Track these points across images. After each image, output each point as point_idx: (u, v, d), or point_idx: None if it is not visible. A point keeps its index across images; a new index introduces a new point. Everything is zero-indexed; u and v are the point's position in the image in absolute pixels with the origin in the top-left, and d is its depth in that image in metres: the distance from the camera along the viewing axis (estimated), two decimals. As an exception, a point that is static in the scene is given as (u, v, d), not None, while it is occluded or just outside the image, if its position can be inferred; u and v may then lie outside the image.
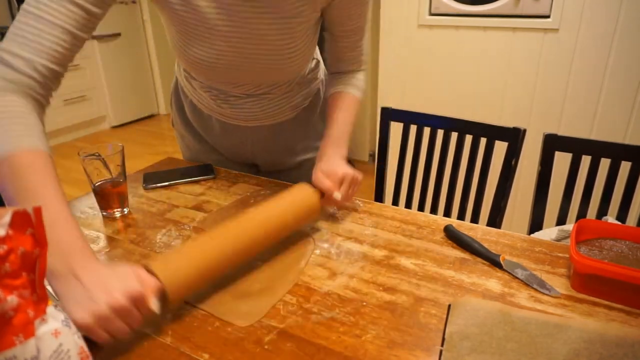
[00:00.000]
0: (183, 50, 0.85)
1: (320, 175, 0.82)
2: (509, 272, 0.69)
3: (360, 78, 0.97)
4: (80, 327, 0.47)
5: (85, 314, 0.48)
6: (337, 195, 0.80)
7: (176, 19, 0.80)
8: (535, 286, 0.66)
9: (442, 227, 0.82)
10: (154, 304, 0.52)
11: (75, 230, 0.54)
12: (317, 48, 1.03)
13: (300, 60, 0.90)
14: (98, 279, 0.50)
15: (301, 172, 1.12)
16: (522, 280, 0.67)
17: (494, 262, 0.72)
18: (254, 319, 0.61)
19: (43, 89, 0.63)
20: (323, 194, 0.80)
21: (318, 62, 1.05)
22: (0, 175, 0.54)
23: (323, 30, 0.93)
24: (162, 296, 0.55)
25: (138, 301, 0.51)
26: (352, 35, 0.91)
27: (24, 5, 0.61)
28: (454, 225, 0.81)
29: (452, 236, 0.79)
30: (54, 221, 0.52)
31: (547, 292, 0.65)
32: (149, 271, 0.56)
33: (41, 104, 0.64)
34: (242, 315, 0.61)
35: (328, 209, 0.90)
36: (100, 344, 0.51)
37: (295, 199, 0.76)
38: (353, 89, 0.95)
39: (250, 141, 1.07)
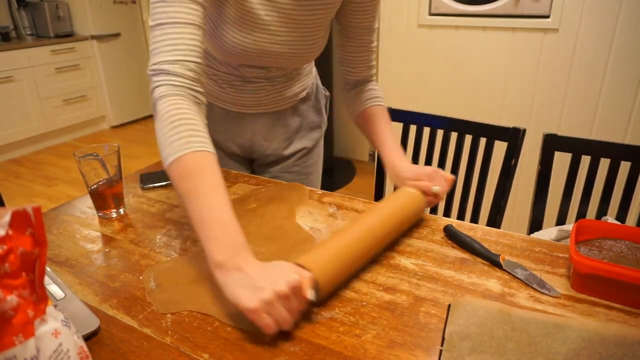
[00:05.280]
0: (216, 33, 0.87)
1: (410, 183, 0.85)
2: (509, 272, 0.69)
3: (378, 89, 1.03)
4: (248, 311, 0.54)
5: (253, 298, 0.53)
6: (437, 188, 0.82)
7: (222, 8, 0.83)
8: (534, 286, 0.66)
9: (442, 227, 0.82)
10: (310, 293, 0.58)
11: (240, 231, 0.60)
12: None
13: (321, 47, 0.97)
14: (263, 271, 0.56)
15: (295, 162, 1.17)
16: (521, 280, 0.67)
17: (493, 262, 0.72)
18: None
19: (199, 86, 0.69)
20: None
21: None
22: (173, 175, 0.63)
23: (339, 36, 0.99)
24: (315, 286, 0.60)
25: (297, 290, 0.56)
26: (366, 34, 0.96)
27: (152, 23, 0.67)
28: (453, 225, 0.81)
29: (452, 236, 0.79)
30: (223, 221, 0.60)
31: (546, 292, 0.65)
32: (301, 266, 0.60)
33: (200, 105, 0.70)
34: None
35: (328, 209, 0.90)
36: (264, 331, 0.55)
37: (406, 202, 0.80)
38: (380, 101, 1.01)
39: (251, 129, 1.10)
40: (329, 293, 0.64)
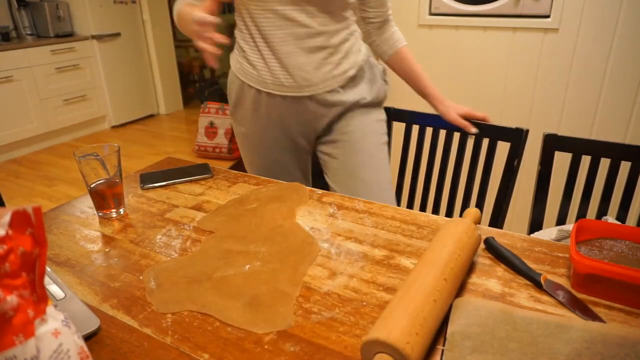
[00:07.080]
0: None
1: (456, 115, 1.19)
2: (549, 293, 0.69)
3: (398, 29, 1.22)
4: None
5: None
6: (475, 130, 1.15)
7: None
8: (578, 313, 0.65)
9: (443, 227, 0.81)
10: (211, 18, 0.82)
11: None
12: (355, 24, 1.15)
13: None
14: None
15: (350, 136, 1.15)
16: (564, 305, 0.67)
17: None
18: (276, 327, 0.59)
19: None
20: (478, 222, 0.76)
21: (360, 34, 1.16)
22: (181, 13, 1.01)
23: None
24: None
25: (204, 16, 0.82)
26: None
27: None
28: (454, 225, 0.81)
29: (453, 236, 0.78)
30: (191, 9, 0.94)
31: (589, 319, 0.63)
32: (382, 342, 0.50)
33: None
34: (259, 323, 0.60)
35: (328, 209, 0.90)
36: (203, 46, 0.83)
37: (462, 238, 0.68)
38: (404, 41, 1.21)
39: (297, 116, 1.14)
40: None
